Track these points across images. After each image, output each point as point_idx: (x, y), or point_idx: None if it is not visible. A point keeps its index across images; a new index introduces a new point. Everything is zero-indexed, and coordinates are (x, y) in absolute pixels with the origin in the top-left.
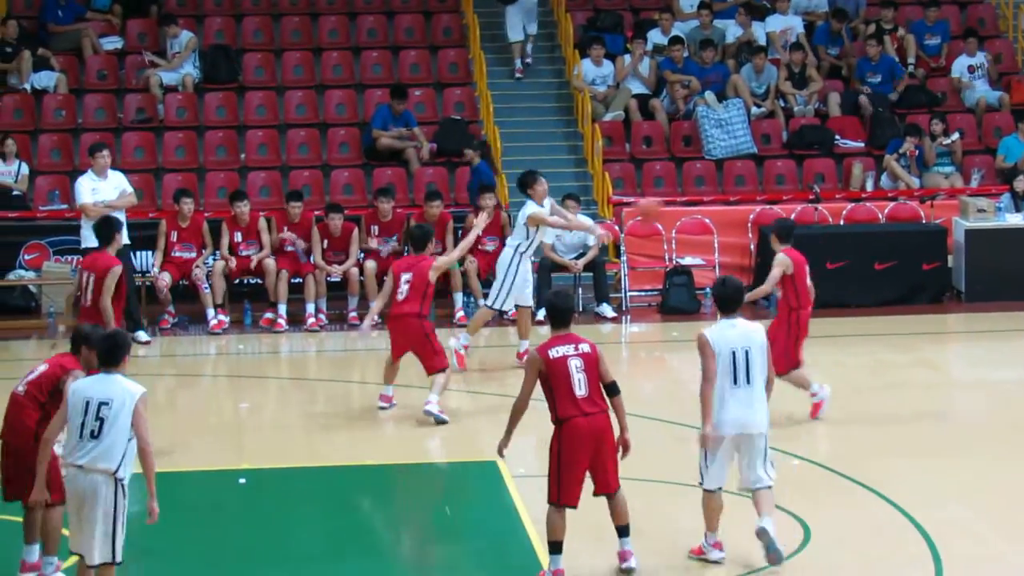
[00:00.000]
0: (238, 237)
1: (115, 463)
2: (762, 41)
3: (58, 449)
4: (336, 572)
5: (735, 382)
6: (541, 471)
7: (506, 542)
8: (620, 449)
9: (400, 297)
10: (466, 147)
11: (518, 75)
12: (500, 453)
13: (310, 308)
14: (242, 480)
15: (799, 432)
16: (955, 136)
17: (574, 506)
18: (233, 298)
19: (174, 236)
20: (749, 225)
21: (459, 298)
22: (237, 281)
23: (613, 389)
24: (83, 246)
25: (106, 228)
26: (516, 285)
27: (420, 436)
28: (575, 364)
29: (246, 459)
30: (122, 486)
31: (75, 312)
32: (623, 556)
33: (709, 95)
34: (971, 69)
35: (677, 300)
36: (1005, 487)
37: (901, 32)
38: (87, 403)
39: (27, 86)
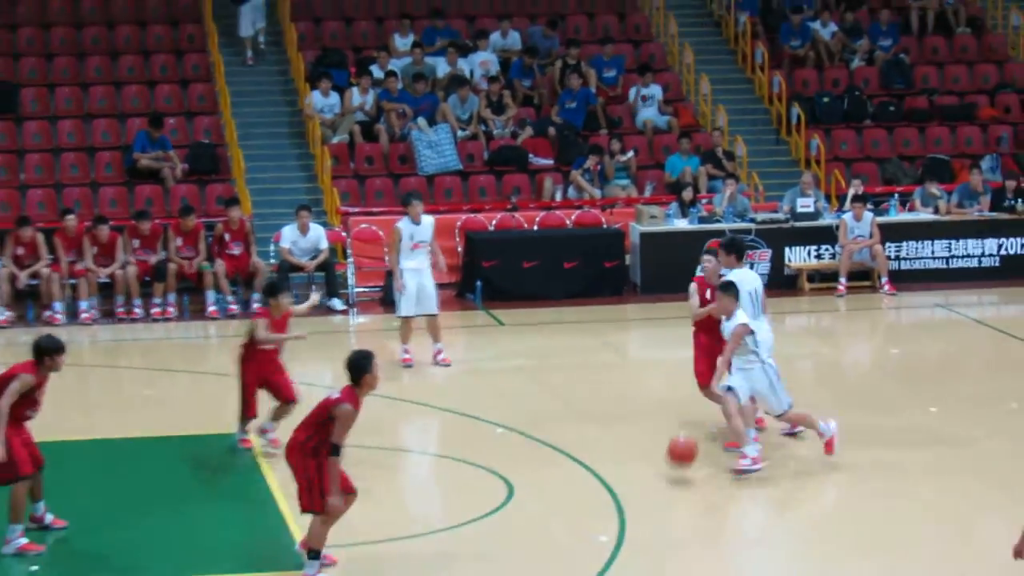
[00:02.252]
0: (20, 251)
1: None
2: (467, 75)
3: None
4: (89, 545)
5: (755, 316)
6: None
7: (254, 510)
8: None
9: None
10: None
11: (250, 63)
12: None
13: (84, 305)
14: None
15: (501, 404)
16: (630, 154)
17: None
18: (18, 297)
19: None
20: (456, 231)
21: (211, 295)
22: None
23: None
24: None
25: None
26: (405, 295)
27: (173, 410)
28: None
29: None
30: None
31: None
32: None
33: (421, 120)
34: (643, 98)
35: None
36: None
37: (584, 67)
38: None
39: None
